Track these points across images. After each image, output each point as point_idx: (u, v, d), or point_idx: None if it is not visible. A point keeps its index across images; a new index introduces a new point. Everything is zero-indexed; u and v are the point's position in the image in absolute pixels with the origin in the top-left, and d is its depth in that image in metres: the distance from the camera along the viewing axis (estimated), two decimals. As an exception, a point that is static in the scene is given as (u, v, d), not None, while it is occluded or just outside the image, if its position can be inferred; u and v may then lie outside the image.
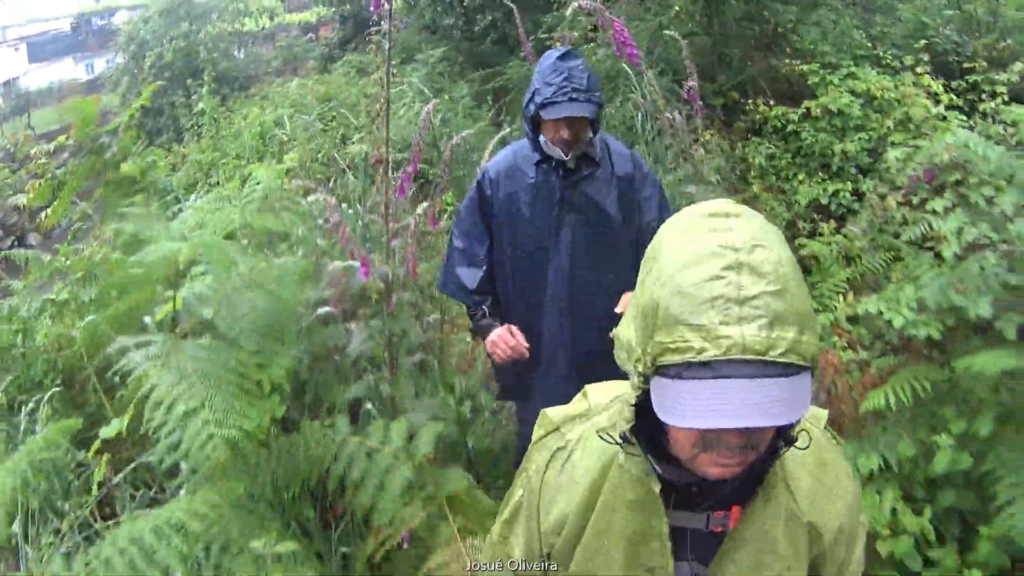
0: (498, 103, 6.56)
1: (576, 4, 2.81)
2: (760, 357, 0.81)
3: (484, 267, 2.47)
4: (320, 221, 2.65)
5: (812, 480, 1.07)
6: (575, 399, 1.22)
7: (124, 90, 12.46)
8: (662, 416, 0.85)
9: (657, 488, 1.02)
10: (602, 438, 1.05)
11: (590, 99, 2.27)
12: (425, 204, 2.59)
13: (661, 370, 0.86)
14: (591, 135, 2.38)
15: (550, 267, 2.41)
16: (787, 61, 5.40)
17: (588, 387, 1.21)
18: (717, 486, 1.00)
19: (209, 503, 1.74)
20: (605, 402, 1.15)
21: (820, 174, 4.72)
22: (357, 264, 2.39)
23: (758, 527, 1.05)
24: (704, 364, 0.82)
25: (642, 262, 0.95)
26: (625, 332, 0.94)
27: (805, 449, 1.02)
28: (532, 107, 2.33)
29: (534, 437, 1.20)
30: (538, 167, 2.41)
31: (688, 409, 0.82)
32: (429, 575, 1.90)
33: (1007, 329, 1.95)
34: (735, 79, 5.41)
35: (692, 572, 1.09)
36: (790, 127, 4.95)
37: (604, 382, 1.20)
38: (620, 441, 1.01)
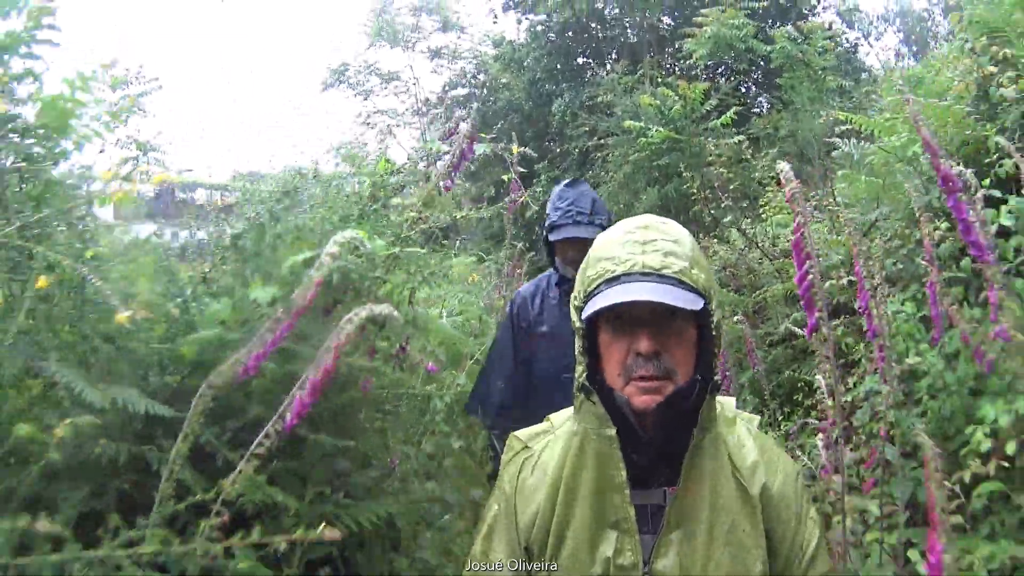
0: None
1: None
2: (656, 271, 1.12)
3: (511, 383, 2.62)
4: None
5: (755, 456, 1.25)
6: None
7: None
8: (588, 312, 1.13)
9: (612, 431, 1.17)
10: (579, 388, 1.21)
11: (592, 222, 2.50)
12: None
13: (590, 296, 1.15)
14: None
15: (573, 383, 2.80)
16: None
17: (551, 415, 1.39)
18: (654, 430, 1.17)
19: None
20: (564, 418, 1.33)
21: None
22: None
23: (706, 481, 1.19)
24: (616, 278, 1.13)
25: None
26: (572, 300, 1.21)
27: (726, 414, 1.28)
28: (544, 232, 2.58)
29: (505, 459, 1.35)
30: (560, 288, 2.62)
31: (604, 300, 1.11)
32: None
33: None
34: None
35: (654, 543, 1.19)
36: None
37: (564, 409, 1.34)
38: (581, 392, 1.21)
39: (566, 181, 2.67)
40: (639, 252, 1.14)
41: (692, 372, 1.17)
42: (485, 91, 15.25)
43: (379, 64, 17.22)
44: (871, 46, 15.96)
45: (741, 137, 6.37)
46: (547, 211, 2.59)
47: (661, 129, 6.67)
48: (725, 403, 1.32)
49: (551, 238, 2.54)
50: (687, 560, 1.17)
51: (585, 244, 2.19)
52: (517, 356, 2.63)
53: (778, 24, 9.31)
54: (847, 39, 11.94)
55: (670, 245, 1.15)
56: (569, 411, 1.30)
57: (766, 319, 4.27)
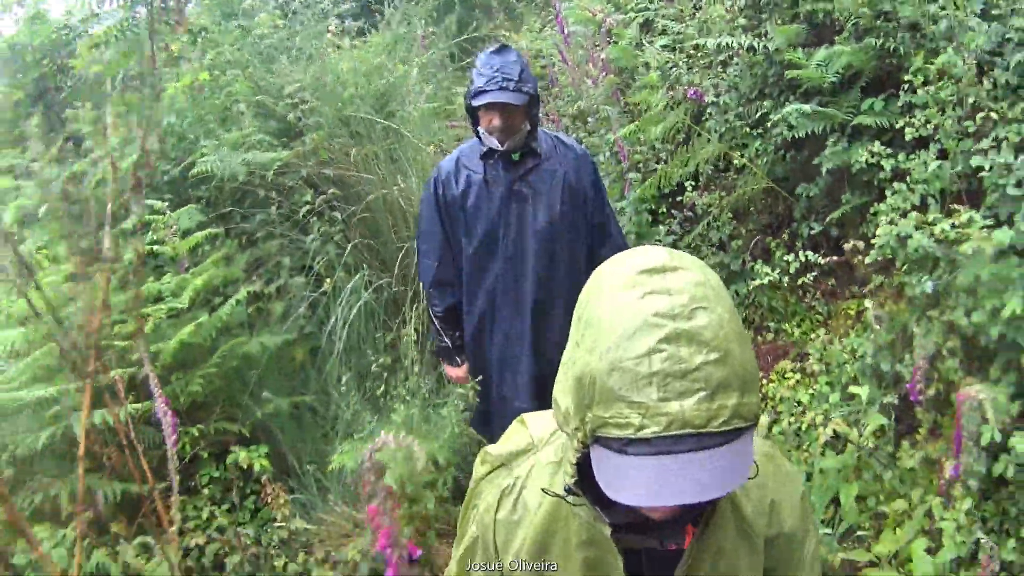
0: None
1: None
2: (700, 430, 0.79)
3: (444, 260, 2.62)
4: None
5: (755, 496, 1.10)
6: (512, 429, 1.22)
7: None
8: (608, 492, 0.83)
9: (607, 531, 1.01)
10: (546, 493, 1.06)
11: (520, 88, 2.38)
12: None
13: (602, 441, 0.84)
14: (527, 127, 2.44)
15: (500, 258, 2.54)
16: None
17: (525, 416, 1.21)
18: (663, 523, 1.00)
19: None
20: (547, 435, 1.14)
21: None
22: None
23: (712, 545, 1.06)
24: (645, 440, 0.80)
25: (575, 314, 0.92)
26: (562, 399, 0.91)
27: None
28: (467, 99, 2.45)
29: (478, 473, 1.21)
30: (484, 161, 2.54)
31: (632, 486, 0.81)
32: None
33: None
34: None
35: None
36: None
37: (542, 411, 1.19)
38: (565, 495, 1.00)
39: (493, 47, 2.52)
40: (675, 394, 0.79)
41: None
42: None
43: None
44: None
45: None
46: (471, 78, 2.48)
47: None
48: None
49: (473, 103, 2.43)
50: None
51: (511, 110, 2.42)
52: (445, 233, 2.63)
53: None
54: None
55: (718, 370, 0.80)
56: (550, 423, 1.14)
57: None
